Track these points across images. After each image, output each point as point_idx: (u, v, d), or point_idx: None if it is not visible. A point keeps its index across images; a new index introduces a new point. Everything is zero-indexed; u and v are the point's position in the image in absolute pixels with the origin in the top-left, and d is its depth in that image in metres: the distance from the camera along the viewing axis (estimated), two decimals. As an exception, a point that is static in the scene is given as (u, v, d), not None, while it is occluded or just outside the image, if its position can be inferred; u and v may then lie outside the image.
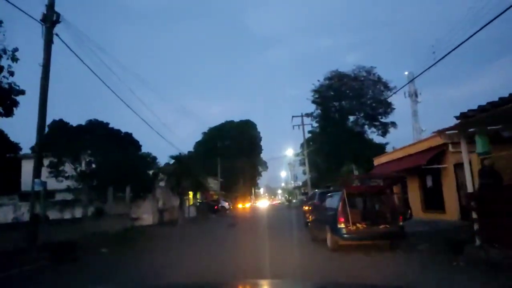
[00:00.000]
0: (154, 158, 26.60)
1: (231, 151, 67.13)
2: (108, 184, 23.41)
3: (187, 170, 25.87)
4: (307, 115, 41.51)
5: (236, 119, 77.02)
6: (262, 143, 78.01)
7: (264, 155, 79.00)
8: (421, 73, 17.75)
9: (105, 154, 23.68)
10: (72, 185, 24.70)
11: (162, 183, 26.78)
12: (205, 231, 20.44)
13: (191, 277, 7.91)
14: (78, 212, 24.52)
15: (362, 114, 42.74)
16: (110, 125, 26.76)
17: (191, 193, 35.48)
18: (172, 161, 27.43)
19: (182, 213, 26.39)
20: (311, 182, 48.97)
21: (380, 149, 39.05)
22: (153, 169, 26.18)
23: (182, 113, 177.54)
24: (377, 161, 23.86)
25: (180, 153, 26.00)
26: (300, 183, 72.74)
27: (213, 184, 56.64)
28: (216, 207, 39.80)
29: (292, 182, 79.72)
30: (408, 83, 45.27)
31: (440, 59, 14.01)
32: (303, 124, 38.28)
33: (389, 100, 40.65)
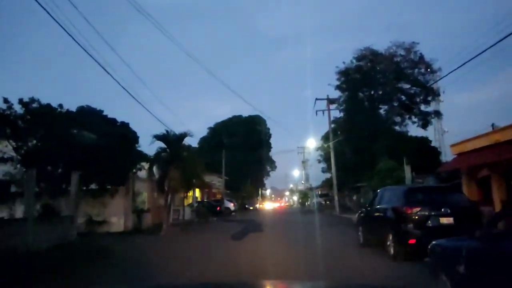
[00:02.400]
0: (134, 133, 18.31)
1: (238, 147, 59.23)
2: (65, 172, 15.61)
3: (178, 155, 17.75)
4: (331, 101, 33.25)
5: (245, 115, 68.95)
6: (271, 141, 70.15)
7: (272, 154, 70.93)
8: (455, 69, 13.77)
9: (57, 130, 15.63)
10: (16, 171, 16.85)
11: (143, 173, 18.67)
12: (197, 246, 12.31)
13: None
14: (20, 210, 16.62)
15: (397, 103, 34.34)
16: (108, 115, 18.90)
17: (190, 191, 27.37)
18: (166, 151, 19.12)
19: (169, 216, 18.27)
20: (329, 183, 40.63)
21: (422, 142, 30.79)
22: (129, 150, 18.07)
23: (193, 111, 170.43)
24: (459, 148, 15.49)
25: (167, 131, 17.87)
26: (312, 184, 64.30)
27: (218, 182, 48.82)
28: (218, 208, 31.61)
29: (303, 182, 71.23)
30: (440, 79, 36.44)
31: (475, 57, 11.46)
32: (329, 110, 30.05)
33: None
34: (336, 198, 29.23)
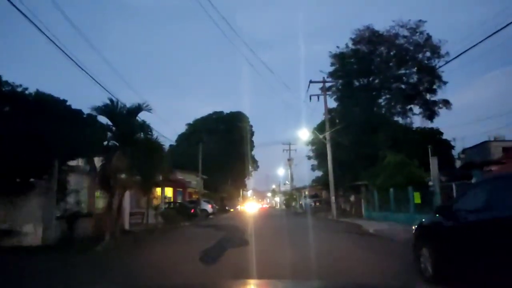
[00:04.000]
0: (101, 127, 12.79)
1: (219, 145, 54.10)
2: None
3: (128, 137, 12.47)
4: (327, 88, 28.50)
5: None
6: (254, 138, 65.42)
7: (255, 149, 66.21)
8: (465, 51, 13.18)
9: None
10: None
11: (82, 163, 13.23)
12: (140, 274, 7.09)
13: None
14: None
15: (398, 92, 29.93)
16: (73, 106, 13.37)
17: (154, 189, 21.99)
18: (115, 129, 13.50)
19: (117, 222, 12.91)
20: (321, 182, 35.93)
21: (432, 134, 26.43)
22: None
23: (176, 111, 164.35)
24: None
25: (112, 101, 12.32)
26: (296, 185, 59.50)
27: (195, 181, 43.54)
28: (192, 211, 26.26)
29: (287, 182, 66.35)
30: (448, 62, 32.18)
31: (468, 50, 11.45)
32: (325, 95, 25.17)
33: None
34: (333, 199, 24.42)
